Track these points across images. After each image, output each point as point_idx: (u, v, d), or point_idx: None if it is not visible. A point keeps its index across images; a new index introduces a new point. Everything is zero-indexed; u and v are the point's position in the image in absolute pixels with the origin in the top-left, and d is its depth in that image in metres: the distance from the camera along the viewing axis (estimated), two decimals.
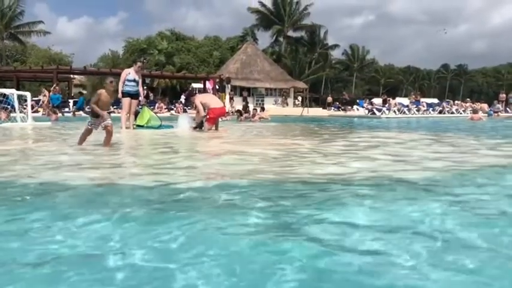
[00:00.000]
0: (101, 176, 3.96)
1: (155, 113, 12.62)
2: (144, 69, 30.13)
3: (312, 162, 5.02)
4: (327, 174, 4.07)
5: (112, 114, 18.51)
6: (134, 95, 10.08)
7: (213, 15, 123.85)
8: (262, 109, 19.58)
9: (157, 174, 4.02)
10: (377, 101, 28.80)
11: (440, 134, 10.32)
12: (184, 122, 10.39)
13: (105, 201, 2.96)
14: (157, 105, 22.82)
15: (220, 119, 10.42)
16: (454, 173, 4.24)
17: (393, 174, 4.05)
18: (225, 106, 11.12)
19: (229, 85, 32.33)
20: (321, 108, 35.82)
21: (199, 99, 9.86)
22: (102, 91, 6.24)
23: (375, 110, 24.25)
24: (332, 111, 31.44)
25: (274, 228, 2.30)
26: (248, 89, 35.71)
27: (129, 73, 10.02)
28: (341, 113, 29.63)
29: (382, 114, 23.44)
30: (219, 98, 18.28)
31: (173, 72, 40.65)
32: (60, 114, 17.22)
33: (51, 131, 9.97)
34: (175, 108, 23.35)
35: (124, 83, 9.92)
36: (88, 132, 6.28)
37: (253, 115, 17.08)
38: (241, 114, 16.52)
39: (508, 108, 30.06)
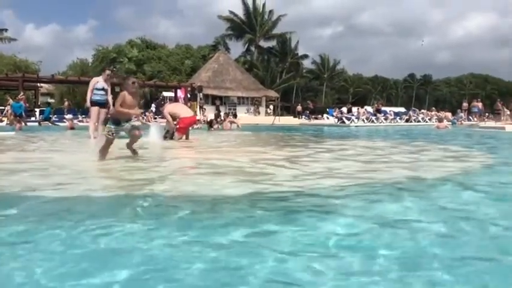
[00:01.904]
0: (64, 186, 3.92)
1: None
2: (114, 78, 29.78)
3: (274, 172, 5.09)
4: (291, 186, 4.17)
5: (80, 124, 18.25)
6: (103, 104, 9.95)
7: (184, 23, 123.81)
8: (235, 116, 19.68)
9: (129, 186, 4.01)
10: (345, 109, 29.47)
11: (406, 141, 10.67)
12: (154, 131, 10.24)
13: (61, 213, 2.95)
14: None
15: (190, 128, 10.42)
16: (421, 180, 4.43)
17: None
18: (196, 115, 11.11)
19: (201, 94, 32.32)
20: (292, 117, 36.25)
21: (168, 109, 9.78)
22: (125, 93, 5.59)
23: (344, 118, 24.75)
24: (303, 120, 31.86)
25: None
26: (220, 98, 35.80)
27: (98, 82, 9.89)
28: (312, 121, 30.09)
29: (351, 122, 23.94)
30: (190, 106, 18.32)
31: (144, 80, 40.22)
32: (23, 124, 16.65)
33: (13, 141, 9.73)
34: (145, 117, 23.11)
35: (92, 91, 9.79)
36: (109, 143, 5.59)
37: (224, 119, 17.16)
38: (211, 126, 16.46)
39: (470, 117, 31.30)
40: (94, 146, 6.84)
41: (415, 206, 3.06)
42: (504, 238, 2.37)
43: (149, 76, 44.99)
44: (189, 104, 21.11)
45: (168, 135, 9.82)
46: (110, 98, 10.25)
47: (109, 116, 9.41)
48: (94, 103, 9.79)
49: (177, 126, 9.55)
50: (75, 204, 3.16)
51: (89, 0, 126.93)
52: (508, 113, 27.17)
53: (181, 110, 9.95)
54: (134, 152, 5.98)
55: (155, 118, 21.68)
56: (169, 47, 54.01)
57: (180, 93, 27.79)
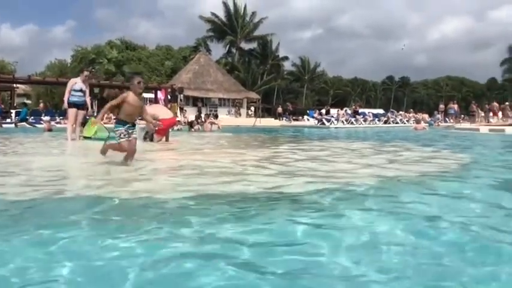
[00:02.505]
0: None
1: (104, 123, 12.33)
2: (92, 79, 29.35)
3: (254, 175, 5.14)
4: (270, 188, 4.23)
5: (58, 125, 17.95)
6: (81, 106, 9.84)
7: (165, 24, 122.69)
8: (216, 116, 19.68)
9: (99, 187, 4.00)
10: (323, 111, 29.85)
11: (385, 143, 10.87)
12: None
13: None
14: (106, 115, 22.29)
15: (170, 130, 10.38)
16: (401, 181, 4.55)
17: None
18: (176, 116, 11.04)
19: (181, 95, 32.15)
20: (273, 119, 36.41)
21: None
22: (129, 93, 5.24)
23: (324, 120, 25.03)
24: (284, 122, 32.06)
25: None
26: (201, 99, 35.72)
27: (76, 83, 9.78)
28: (293, 123, 30.31)
29: (331, 124, 24.23)
30: (170, 108, 18.21)
31: (123, 81, 39.77)
32: None
33: None
34: None
35: (70, 93, 9.67)
36: (126, 147, 5.25)
37: (205, 120, 17.15)
38: (192, 127, 16.46)
39: (446, 118, 32.07)
40: (71, 148, 6.66)
41: (374, 208, 3.12)
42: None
43: (129, 77, 44.51)
44: (169, 106, 20.98)
45: (148, 136, 9.76)
46: (88, 99, 10.15)
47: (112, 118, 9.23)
48: (72, 104, 9.67)
49: (156, 128, 9.47)
50: (39, 205, 3.18)
51: (68, 0, 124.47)
52: (483, 114, 27.96)
53: (161, 111, 9.85)
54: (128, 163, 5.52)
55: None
56: (149, 48, 53.56)
57: (160, 95, 27.54)
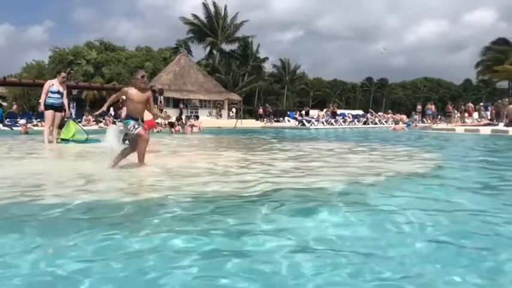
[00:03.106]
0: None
1: (83, 126, 12.18)
2: (71, 80, 28.89)
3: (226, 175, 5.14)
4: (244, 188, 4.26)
5: (35, 128, 17.60)
6: (58, 108, 9.69)
7: (145, 25, 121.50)
8: (197, 117, 19.58)
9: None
10: (303, 112, 30.17)
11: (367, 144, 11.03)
12: (112, 135, 9.92)
13: None
14: (84, 117, 21.98)
15: (150, 132, 10.28)
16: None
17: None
18: (156, 118, 10.87)
19: (161, 97, 31.87)
20: (254, 120, 36.49)
21: (126, 112, 9.57)
22: (131, 88, 5.06)
23: (304, 121, 25.22)
24: (265, 123, 32.19)
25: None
26: (182, 101, 35.51)
27: (53, 84, 9.63)
28: (274, 124, 30.43)
29: (311, 125, 24.44)
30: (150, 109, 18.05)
31: (102, 83, 39.30)
32: None
33: None
34: (104, 121, 22.61)
35: (47, 94, 9.51)
36: (139, 142, 5.16)
37: (185, 122, 17.09)
38: (172, 127, 16.39)
39: (424, 119, 32.73)
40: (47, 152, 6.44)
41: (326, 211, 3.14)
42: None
43: (108, 79, 43.97)
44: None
45: (128, 138, 9.61)
46: (65, 101, 10.00)
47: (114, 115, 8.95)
48: (48, 106, 9.52)
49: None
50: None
51: (45, 0, 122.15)
52: (458, 115, 28.63)
53: None
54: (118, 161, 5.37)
55: (114, 122, 21.23)
56: (129, 49, 52.99)
57: None
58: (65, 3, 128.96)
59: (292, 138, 14.31)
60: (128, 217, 2.90)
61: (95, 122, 22.07)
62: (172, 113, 26.11)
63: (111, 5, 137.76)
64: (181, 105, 34.38)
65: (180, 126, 17.04)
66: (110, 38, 62.74)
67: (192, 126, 16.97)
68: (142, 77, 5.12)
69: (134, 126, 5.04)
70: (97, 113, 7.03)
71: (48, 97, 9.51)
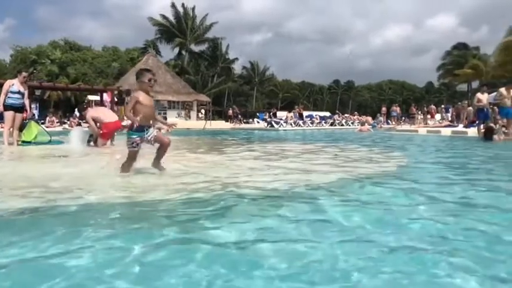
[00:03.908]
0: None
1: (46, 127, 11.83)
2: (34, 80, 27.92)
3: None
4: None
5: None
6: (19, 108, 9.39)
7: (112, 25, 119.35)
8: (164, 119, 19.33)
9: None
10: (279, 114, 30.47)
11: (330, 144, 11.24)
12: (76, 137, 9.71)
13: None
14: (48, 119, 21.35)
15: (116, 133, 10.11)
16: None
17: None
18: (121, 120, 10.69)
19: (128, 97, 31.25)
20: (224, 121, 36.47)
21: (90, 114, 9.31)
22: (139, 92, 4.64)
23: (273, 122, 25.43)
24: (234, 124, 32.22)
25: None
26: None
27: (13, 84, 9.32)
28: (243, 125, 30.51)
29: (280, 126, 24.67)
30: (117, 111, 17.71)
31: (67, 83, 38.25)
32: None
33: None
34: (68, 122, 22.04)
35: (7, 95, 9.20)
36: (132, 157, 4.67)
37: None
38: None
39: (388, 121, 33.67)
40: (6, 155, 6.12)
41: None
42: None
43: (73, 79, 42.89)
44: (116, 109, 20.44)
45: (93, 139, 9.43)
46: (27, 101, 9.71)
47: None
48: (8, 107, 9.20)
49: (101, 131, 9.15)
50: None
51: None
52: (421, 116, 29.62)
53: (104, 114, 9.47)
54: (161, 167, 4.90)
55: (79, 124, 20.73)
56: (95, 49, 51.87)
57: (106, 97, 26.74)
58: (27, 1, 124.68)
59: (259, 140, 14.39)
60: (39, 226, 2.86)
61: (59, 124, 21.49)
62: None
63: (77, 4, 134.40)
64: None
65: None
66: (75, 38, 61.03)
67: (159, 128, 16.75)
68: (150, 80, 4.67)
69: (132, 144, 4.60)
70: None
71: (8, 97, 9.20)
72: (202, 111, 41.30)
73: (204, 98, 40.50)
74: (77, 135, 9.83)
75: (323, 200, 3.41)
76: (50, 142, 9.82)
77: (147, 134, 4.63)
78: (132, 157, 4.66)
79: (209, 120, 30.12)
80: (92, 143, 9.36)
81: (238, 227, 2.58)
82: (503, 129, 13.47)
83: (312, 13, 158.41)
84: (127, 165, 4.70)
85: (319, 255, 2.08)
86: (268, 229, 2.56)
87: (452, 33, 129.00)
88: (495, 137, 11.96)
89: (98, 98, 29.43)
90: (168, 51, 59.33)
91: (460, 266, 1.94)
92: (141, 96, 4.57)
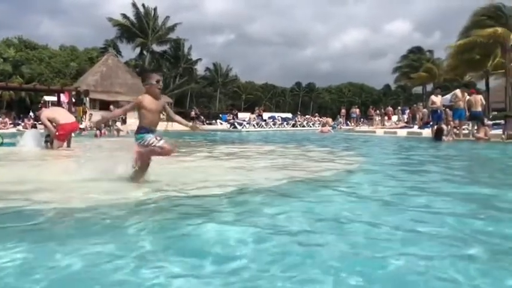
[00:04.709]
0: None
1: None
2: None
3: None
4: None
5: None
6: None
7: (70, 24, 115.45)
8: (124, 122, 18.88)
9: None
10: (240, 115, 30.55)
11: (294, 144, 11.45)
12: (29, 139, 9.25)
13: None
14: (0, 120, 20.45)
15: (74, 135, 9.87)
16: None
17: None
18: (81, 121, 10.42)
19: (87, 98, 30.50)
20: None
21: (45, 114, 8.99)
22: (145, 96, 4.19)
23: (236, 124, 25.50)
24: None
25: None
26: (109, 103, 34.20)
27: None
28: (206, 127, 30.35)
29: (242, 128, 24.78)
30: (74, 112, 17.25)
31: (21, 83, 36.65)
32: None
33: None
34: (23, 124, 21.19)
35: None
36: (145, 164, 4.28)
37: (111, 125, 16.59)
38: (99, 130, 15.76)
39: (348, 122, 34.56)
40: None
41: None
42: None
43: (28, 79, 41.17)
44: (73, 110, 19.87)
45: (50, 139, 9.09)
46: None
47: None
48: None
49: (56, 133, 8.85)
50: None
51: None
52: (379, 118, 30.59)
53: (61, 115, 9.15)
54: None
55: (34, 126, 19.98)
56: (52, 48, 50.03)
57: (64, 98, 25.87)
58: None
59: (222, 141, 14.44)
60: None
61: (12, 125, 20.62)
62: (99, 116, 25.12)
63: (32, 2, 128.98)
64: (112, 107, 33.25)
65: (105, 130, 16.41)
66: (31, 36, 58.71)
67: (118, 130, 16.44)
68: (158, 81, 4.30)
69: (157, 138, 4.20)
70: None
71: None
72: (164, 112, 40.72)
73: (165, 99, 39.53)
74: (31, 137, 9.42)
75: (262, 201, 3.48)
76: (1, 144, 9.46)
77: (153, 134, 4.25)
78: (144, 164, 4.26)
79: (171, 121, 29.78)
80: (48, 145, 9.05)
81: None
82: (455, 130, 14.22)
83: (274, 16, 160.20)
84: (140, 173, 4.30)
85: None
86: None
87: (408, 38, 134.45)
88: (444, 137, 12.65)
89: (55, 98, 28.42)
90: (129, 51, 58.20)
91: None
92: (146, 100, 4.15)
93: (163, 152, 4.24)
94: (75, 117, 20.46)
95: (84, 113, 24.21)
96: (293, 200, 3.58)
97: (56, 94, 27.50)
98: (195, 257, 2.06)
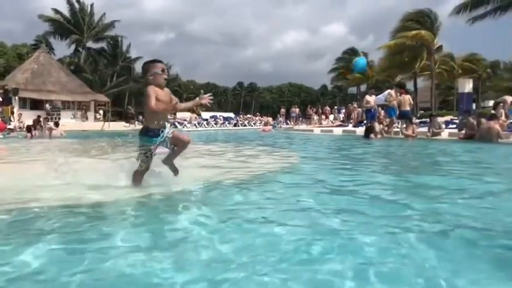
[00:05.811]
0: None
1: None
2: None
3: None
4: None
5: None
6: None
7: None
8: (56, 124, 17.92)
9: None
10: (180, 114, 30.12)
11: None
12: None
13: None
14: None
15: (1, 136, 9.36)
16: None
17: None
18: (11, 122, 9.90)
19: (16, 97, 28.79)
20: (124, 123, 35.06)
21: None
22: (151, 87, 3.69)
23: (176, 123, 25.26)
24: (135, 126, 31.21)
25: None
26: (41, 102, 32.45)
27: None
28: (138, 126, 29.75)
29: (183, 127, 24.60)
30: (1, 111, 16.23)
31: None
32: None
33: None
34: None
35: None
36: (146, 166, 3.87)
37: (44, 125, 15.82)
38: (29, 131, 14.95)
39: (287, 121, 35.47)
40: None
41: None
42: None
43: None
44: (0, 109, 18.66)
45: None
46: None
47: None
48: None
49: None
50: None
51: None
52: (317, 117, 31.72)
53: None
54: (175, 169, 4.19)
55: None
56: None
57: None
58: None
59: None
60: None
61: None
62: (30, 116, 23.77)
63: None
64: (48, 107, 31.93)
65: (36, 131, 15.57)
66: None
67: (50, 129, 15.69)
68: (163, 70, 3.86)
69: (146, 153, 3.83)
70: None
71: None
72: (101, 112, 39.29)
73: (102, 98, 38.58)
74: None
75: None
76: None
77: (162, 137, 3.86)
78: (145, 166, 3.88)
79: (108, 121, 28.83)
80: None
81: None
82: (386, 128, 15.20)
83: (215, 15, 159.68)
84: (140, 176, 3.94)
85: None
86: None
87: (344, 39, 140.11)
88: (371, 135, 13.55)
89: None
90: (63, 48, 55.40)
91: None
92: (157, 91, 3.71)
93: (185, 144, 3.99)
94: (3, 117, 19.32)
95: (12, 113, 22.76)
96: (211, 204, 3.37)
97: None
98: None
